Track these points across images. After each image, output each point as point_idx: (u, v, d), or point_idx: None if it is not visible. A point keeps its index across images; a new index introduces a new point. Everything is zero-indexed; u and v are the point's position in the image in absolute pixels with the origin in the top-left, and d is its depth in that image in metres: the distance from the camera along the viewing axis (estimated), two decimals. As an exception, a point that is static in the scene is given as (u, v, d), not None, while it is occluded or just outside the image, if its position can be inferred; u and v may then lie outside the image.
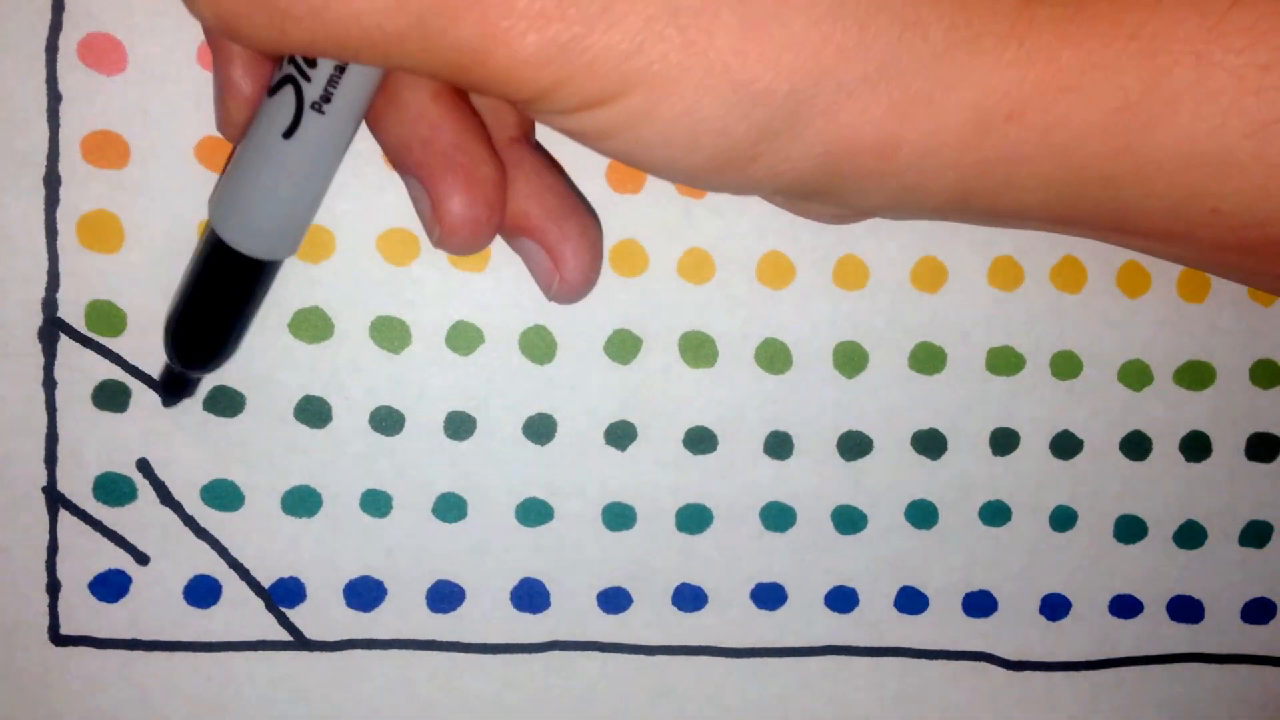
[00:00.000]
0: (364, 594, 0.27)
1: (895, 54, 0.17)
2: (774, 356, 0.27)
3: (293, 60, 0.20)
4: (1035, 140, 0.18)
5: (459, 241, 0.21)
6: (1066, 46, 0.17)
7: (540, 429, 0.27)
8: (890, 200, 0.19)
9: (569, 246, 0.22)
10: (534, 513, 0.27)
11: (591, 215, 0.23)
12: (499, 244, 0.25)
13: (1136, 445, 0.28)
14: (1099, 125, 0.18)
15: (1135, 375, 0.27)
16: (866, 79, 0.17)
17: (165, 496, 0.26)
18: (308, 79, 0.19)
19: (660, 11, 0.17)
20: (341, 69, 0.19)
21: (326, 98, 0.19)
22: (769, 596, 0.28)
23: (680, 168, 0.19)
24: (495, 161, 0.21)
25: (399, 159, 0.21)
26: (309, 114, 0.19)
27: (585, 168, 0.25)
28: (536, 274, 0.23)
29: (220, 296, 0.22)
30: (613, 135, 0.18)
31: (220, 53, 0.20)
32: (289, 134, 0.20)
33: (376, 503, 0.27)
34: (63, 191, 0.24)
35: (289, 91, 0.20)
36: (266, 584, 0.27)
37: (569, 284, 0.23)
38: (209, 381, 0.25)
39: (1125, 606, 0.29)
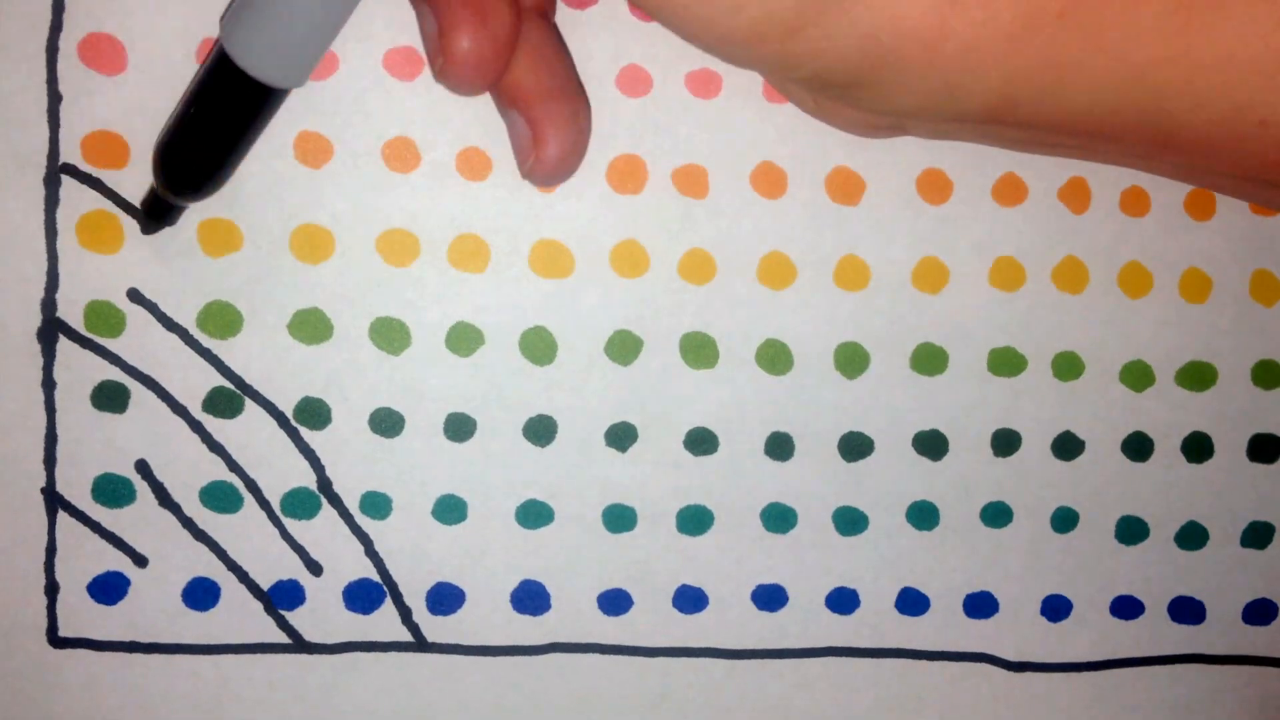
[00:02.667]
0: (363, 596, 0.27)
1: None
2: (775, 357, 0.27)
3: None
4: (1085, 41, 0.18)
5: (459, 76, 0.20)
6: None
7: (540, 430, 0.26)
8: (929, 101, 0.19)
9: (552, 127, 0.21)
10: (534, 514, 0.27)
11: (585, 103, 0.23)
12: (500, 245, 0.25)
13: (1138, 446, 0.28)
14: (1150, 27, 0.18)
15: (1137, 376, 0.27)
16: None
17: (164, 498, 0.26)
18: None
19: None
20: None
21: None
22: (770, 598, 0.28)
23: (719, 31, 0.18)
24: (512, 10, 0.20)
25: None
26: None
27: (585, 167, 0.25)
28: (516, 149, 0.22)
29: (221, 119, 0.21)
30: None
31: None
32: None
33: (376, 504, 0.27)
34: (63, 191, 0.24)
35: None
36: (265, 586, 0.27)
37: (544, 164, 0.22)
38: (209, 382, 0.25)
39: (1127, 607, 0.29)
